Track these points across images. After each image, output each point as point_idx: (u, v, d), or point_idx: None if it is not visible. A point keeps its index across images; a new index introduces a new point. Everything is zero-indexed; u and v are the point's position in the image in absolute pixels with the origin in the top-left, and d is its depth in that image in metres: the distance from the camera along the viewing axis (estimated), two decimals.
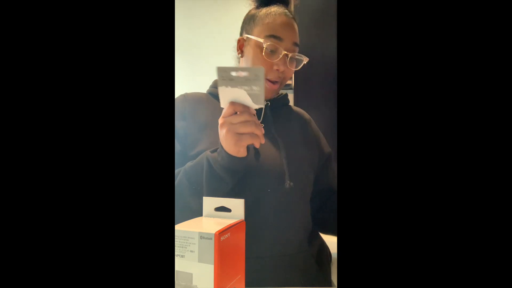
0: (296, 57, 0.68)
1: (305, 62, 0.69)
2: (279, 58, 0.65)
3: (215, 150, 0.58)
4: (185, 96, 0.74)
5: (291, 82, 1.48)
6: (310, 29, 1.28)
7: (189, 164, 0.61)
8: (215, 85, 0.76)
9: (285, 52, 0.65)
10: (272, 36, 0.65)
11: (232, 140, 0.52)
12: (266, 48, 0.65)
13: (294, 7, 0.79)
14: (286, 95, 0.80)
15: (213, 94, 0.75)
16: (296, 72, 1.32)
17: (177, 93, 0.75)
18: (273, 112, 0.72)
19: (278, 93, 0.75)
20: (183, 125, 0.70)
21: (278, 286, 0.57)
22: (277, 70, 0.66)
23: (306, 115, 0.81)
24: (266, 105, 0.71)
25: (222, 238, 0.36)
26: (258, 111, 0.71)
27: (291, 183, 0.61)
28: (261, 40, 0.65)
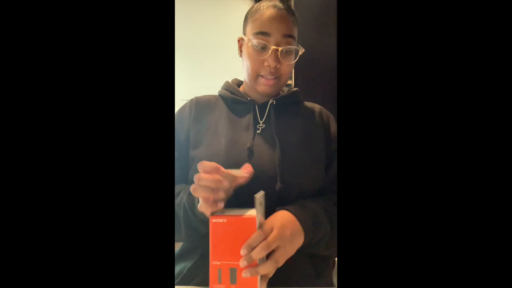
0: (288, 49, 0.65)
1: (301, 53, 0.67)
2: (268, 54, 0.64)
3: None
4: (192, 101, 0.74)
5: (291, 81, 1.47)
6: (310, 28, 1.28)
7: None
8: (226, 87, 0.75)
9: (274, 47, 0.63)
10: (259, 33, 0.64)
11: (201, 200, 0.49)
12: (255, 46, 0.64)
13: None
14: (296, 92, 0.75)
15: (223, 96, 0.74)
16: (296, 72, 1.32)
17: (177, 94, 0.75)
18: (278, 111, 0.71)
19: (281, 88, 0.72)
20: (187, 128, 0.70)
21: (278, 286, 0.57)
22: (268, 66, 0.64)
23: (317, 115, 0.74)
24: (270, 104, 0.70)
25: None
26: (262, 109, 0.71)
27: (281, 185, 0.60)
28: (249, 39, 0.65)
